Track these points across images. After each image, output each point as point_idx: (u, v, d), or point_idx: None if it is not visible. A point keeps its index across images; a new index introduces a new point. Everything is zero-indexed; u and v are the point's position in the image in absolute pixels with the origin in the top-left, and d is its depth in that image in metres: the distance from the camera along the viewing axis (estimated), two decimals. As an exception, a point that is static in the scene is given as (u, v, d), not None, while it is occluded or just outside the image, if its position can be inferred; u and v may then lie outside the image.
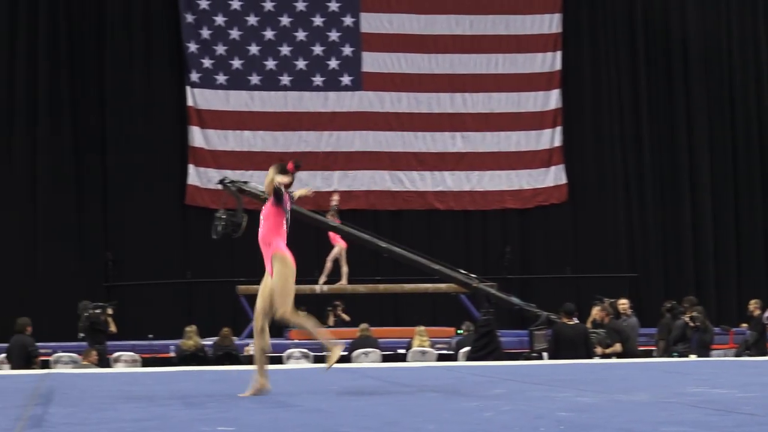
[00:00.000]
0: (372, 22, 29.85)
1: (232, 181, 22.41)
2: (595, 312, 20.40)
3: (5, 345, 19.82)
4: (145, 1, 29.06)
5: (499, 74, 30.20)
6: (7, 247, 27.33)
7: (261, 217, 10.50)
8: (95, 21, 28.77)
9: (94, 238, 28.21)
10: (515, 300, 21.00)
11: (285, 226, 10.44)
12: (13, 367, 18.47)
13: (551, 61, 30.32)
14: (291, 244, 27.20)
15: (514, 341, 22.29)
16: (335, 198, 24.67)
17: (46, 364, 19.68)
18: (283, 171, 10.46)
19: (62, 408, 8.69)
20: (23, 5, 28.12)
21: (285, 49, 29.55)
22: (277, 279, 10.29)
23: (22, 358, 18.77)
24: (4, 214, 27.55)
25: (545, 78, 30.32)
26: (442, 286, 23.90)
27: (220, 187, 22.90)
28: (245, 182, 22.80)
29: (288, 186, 10.48)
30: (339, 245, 24.09)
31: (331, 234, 23.96)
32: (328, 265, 24.40)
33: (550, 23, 30.35)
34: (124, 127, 28.42)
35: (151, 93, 28.85)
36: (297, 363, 20.61)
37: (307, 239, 27.02)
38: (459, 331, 23.09)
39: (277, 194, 10.33)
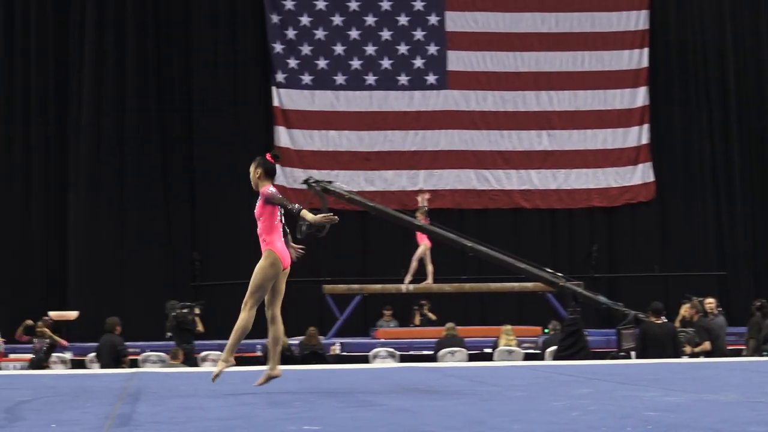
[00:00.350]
0: (457, 21, 29.78)
1: (317, 181, 22.51)
2: (684, 310, 20.21)
3: (95, 344, 20.04)
4: (231, 2, 29.24)
5: (586, 72, 30.01)
6: (96, 248, 27.62)
7: (255, 214, 10.75)
8: (182, 21, 29.01)
9: (182, 238, 28.43)
10: (602, 299, 20.84)
11: (279, 221, 10.63)
12: (103, 366, 18.66)
13: (638, 58, 30.06)
14: (377, 244, 27.15)
15: (601, 340, 22.14)
16: (425, 198, 24.68)
17: (134, 363, 19.87)
18: (266, 168, 10.78)
19: (149, 406, 8.76)
20: (110, 4, 28.41)
21: (370, 49, 29.59)
22: (255, 270, 10.69)
23: (111, 358, 18.96)
24: (93, 215, 27.85)
25: (632, 75, 30.07)
26: (529, 285, 23.80)
27: (305, 186, 23.00)
28: (330, 182, 22.88)
29: (274, 176, 10.80)
30: (424, 244, 24.09)
31: (418, 233, 23.97)
32: (414, 264, 24.41)
33: (637, 20, 30.11)
34: (210, 127, 28.58)
35: (237, 93, 29.03)
36: (383, 362, 20.61)
37: (393, 239, 27.13)
38: (546, 330, 22.95)
39: (272, 201, 10.61)
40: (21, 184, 28.12)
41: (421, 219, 23.20)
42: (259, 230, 10.75)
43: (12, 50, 28.41)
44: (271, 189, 10.55)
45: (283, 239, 10.72)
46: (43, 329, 19.21)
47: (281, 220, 10.64)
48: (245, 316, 10.75)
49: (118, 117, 28.28)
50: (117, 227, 28.02)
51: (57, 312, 21.92)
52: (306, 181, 22.71)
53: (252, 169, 10.88)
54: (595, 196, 29.81)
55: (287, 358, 19.57)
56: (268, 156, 10.84)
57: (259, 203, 10.67)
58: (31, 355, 19.12)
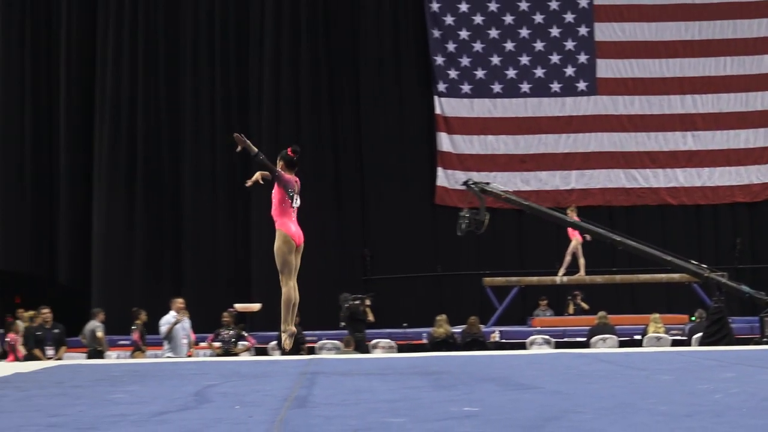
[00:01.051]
0: (605, 31, 29.49)
1: (476, 183, 22.53)
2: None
3: (276, 333, 20.26)
4: (395, 19, 29.40)
5: (728, 76, 29.40)
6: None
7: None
8: (351, 34, 29.29)
9: (354, 235, 28.67)
10: (745, 288, 20.38)
11: (290, 204, 11.07)
12: (283, 354, 18.86)
13: (778, 62, 29.45)
14: (533, 239, 26.79)
15: (744, 327, 21.75)
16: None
17: (311, 351, 20.06)
18: (285, 159, 11.12)
19: (324, 390, 8.81)
20: (286, 16, 28.84)
21: (524, 59, 29.47)
22: (275, 252, 11.20)
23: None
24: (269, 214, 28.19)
25: (772, 78, 29.47)
26: (676, 276, 23.44)
27: (465, 188, 23.01)
28: (487, 183, 22.85)
29: (293, 168, 11.11)
30: (576, 239, 23.94)
31: (570, 229, 23.81)
32: (567, 258, 24.32)
33: (776, 26, 29.51)
34: (378, 133, 28.81)
35: (402, 102, 29.17)
36: (539, 348, 20.46)
37: (547, 235, 26.97)
38: (692, 318, 22.59)
39: (279, 181, 10.98)
40: (209, 184, 28.63)
41: (572, 216, 23.03)
42: (272, 212, 11.23)
43: (196, 51, 29.00)
44: (283, 172, 10.97)
45: (294, 220, 11.23)
46: (228, 320, 19.53)
47: (293, 204, 11.15)
48: (285, 290, 11.29)
49: (293, 122, 28.62)
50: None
51: (242, 304, 22.23)
52: (466, 183, 22.75)
53: (277, 160, 11.15)
54: (738, 192, 29.20)
55: (451, 344, 19.59)
56: (289, 150, 11.21)
57: (274, 188, 11.09)
58: (219, 344, 19.44)
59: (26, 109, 29.15)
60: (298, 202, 11.25)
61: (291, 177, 11.09)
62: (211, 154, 28.66)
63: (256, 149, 10.96)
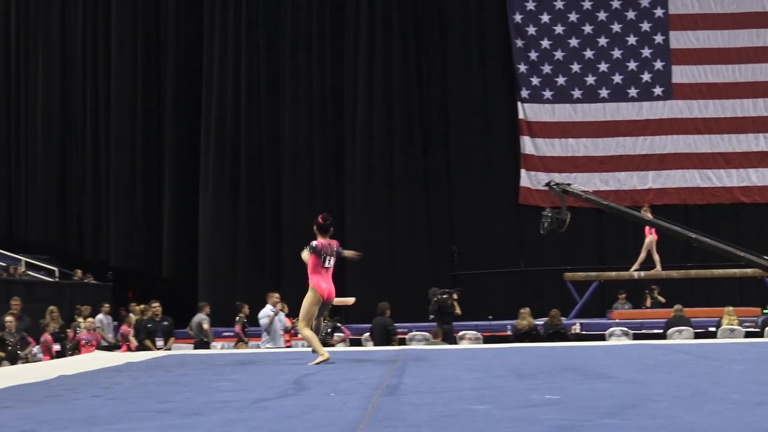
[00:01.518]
0: (680, 39, 29.17)
1: (558, 184, 22.37)
2: None
3: (368, 326, 20.35)
4: (481, 31, 29.37)
5: (800, 80, 29.01)
6: (369, 242, 28.06)
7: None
8: (439, 48, 29.32)
9: (442, 234, 28.69)
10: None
11: (323, 266, 11.66)
12: (375, 344, 18.93)
13: None
14: (611, 236, 26.47)
15: (817, 320, 21.36)
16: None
17: (402, 341, 20.08)
18: (318, 225, 11.81)
19: (413, 378, 8.82)
20: (379, 25, 28.94)
21: (603, 66, 29.25)
22: (304, 302, 11.65)
23: (383, 337, 19.21)
24: (366, 213, 28.33)
25: (843, 82, 28.92)
26: (749, 271, 23.06)
27: (547, 188, 22.91)
28: (568, 184, 22.67)
29: (327, 232, 11.80)
30: (651, 237, 23.76)
31: (646, 227, 23.61)
32: (642, 254, 24.16)
33: None
34: (465, 137, 28.82)
35: (488, 108, 29.11)
36: (617, 340, 20.27)
37: (625, 232, 26.72)
38: (765, 311, 22.24)
39: (314, 251, 11.71)
40: (306, 187, 28.82)
41: (646, 215, 22.84)
42: (308, 271, 11.80)
43: (295, 60, 29.17)
44: (314, 242, 11.70)
45: (327, 278, 11.72)
46: (325, 313, 19.58)
47: (325, 266, 11.69)
48: (305, 333, 11.58)
49: (385, 126, 28.72)
50: (387, 224, 28.42)
51: (338, 298, 22.27)
52: (548, 184, 22.62)
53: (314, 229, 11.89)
54: (810, 190, 28.76)
55: (534, 336, 19.48)
56: (320, 218, 11.92)
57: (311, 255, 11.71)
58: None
59: (137, 118, 29.65)
60: (332, 262, 11.81)
61: (325, 241, 11.74)
62: (308, 160, 28.84)
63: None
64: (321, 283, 11.62)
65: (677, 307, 21.34)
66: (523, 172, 28.80)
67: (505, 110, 29.24)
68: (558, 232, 22.63)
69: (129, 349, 19.34)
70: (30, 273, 27.04)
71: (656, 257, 24.04)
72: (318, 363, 10.94)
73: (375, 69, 28.83)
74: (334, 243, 11.90)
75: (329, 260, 11.72)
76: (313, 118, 29.00)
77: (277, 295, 18.45)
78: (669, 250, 24.65)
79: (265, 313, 17.67)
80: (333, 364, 10.96)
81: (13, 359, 17.07)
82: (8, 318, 17.57)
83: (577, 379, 8.54)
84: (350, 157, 28.75)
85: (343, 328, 19.97)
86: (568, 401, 6.74)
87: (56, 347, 19.01)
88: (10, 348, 17.34)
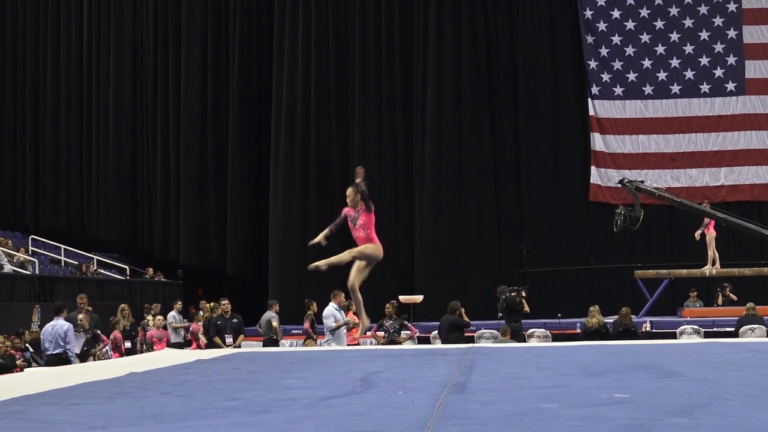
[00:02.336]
0: (754, 34, 28.86)
1: (630, 181, 22.44)
2: None
3: (436, 323, 20.31)
4: (551, 27, 29.26)
5: None
6: (439, 239, 28.08)
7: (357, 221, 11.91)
8: (510, 46, 29.32)
9: (511, 231, 28.63)
10: None
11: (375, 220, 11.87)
12: (443, 342, 18.88)
13: None
14: (683, 233, 26.17)
15: None
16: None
17: (471, 340, 20.03)
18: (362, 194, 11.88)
19: (481, 377, 8.78)
20: (448, 21, 28.92)
21: (674, 62, 29.00)
22: (372, 247, 11.88)
23: (452, 334, 19.14)
24: (435, 210, 28.34)
25: None
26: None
27: (620, 186, 22.82)
28: (641, 181, 22.67)
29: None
30: (710, 233, 23.73)
31: (712, 223, 23.58)
32: (710, 251, 24.02)
33: None
34: (535, 133, 28.71)
35: (558, 105, 28.99)
36: (688, 338, 20.08)
37: (697, 229, 26.44)
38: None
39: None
40: (376, 183, 28.88)
41: (706, 206, 22.72)
42: (370, 233, 11.89)
43: (364, 53, 29.34)
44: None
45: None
46: (391, 311, 19.56)
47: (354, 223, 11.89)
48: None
49: (455, 123, 28.75)
50: (456, 221, 28.42)
51: (405, 296, 22.33)
52: (621, 182, 22.68)
53: (351, 191, 11.92)
54: None
55: (603, 334, 19.34)
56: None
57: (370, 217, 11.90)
58: (383, 333, 19.50)
59: (207, 115, 29.93)
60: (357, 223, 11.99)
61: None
62: (377, 155, 28.92)
63: (326, 233, 12.03)
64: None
65: (750, 305, 21.07)
66: (593, 169, 28.64)
67: (576, 107, 29.14)
68: (632, 229, 22.61)
69: (198, 347, 19.49)
70: (101, 271, 27.40)
71: (716, 255, 23.97)
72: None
73: (444, 66, 28.83)
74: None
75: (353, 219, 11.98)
76: (382, 116, 29.08)
77: (343, 294, 18.36)
78: (742, 247, 24.41)
79: (330, 312, 17.62)
80: None
81: (84, 356, 17.30)
82: (81, 316, 17.79)
83: (647, 377, 8.47)
84: (419, 154, 28.79)
85: (410, 325, 19.93)
86: (638, 400, 6.68)
87: (127, 344, 19.23)
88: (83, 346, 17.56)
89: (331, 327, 17.25)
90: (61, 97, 31.53)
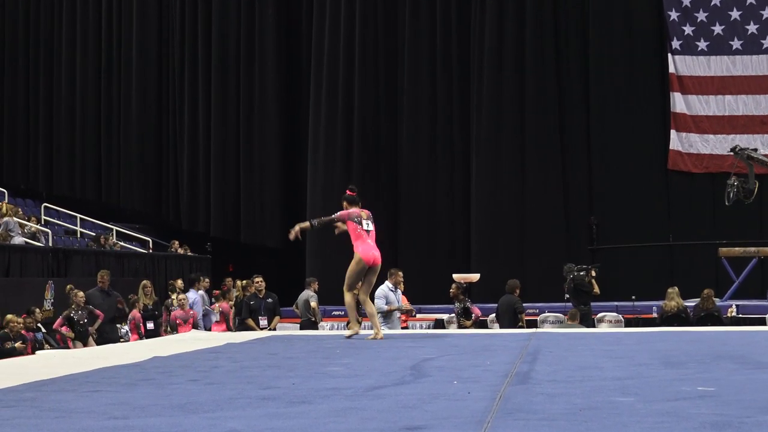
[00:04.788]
0: None
1: (743, 149, 22.31)
2: None
3: (494, 305, 20.24)
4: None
5: None
6: (497, 212, 28.03)
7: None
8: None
9: (579, 202, 28.52)
10: None
11: (363, 228, 12.80)
12: (502, 326, 18.84)
13: None
14: None
15: None
16: None
17: (531, 324, 19.99)
18: (348, 199, 13.04)
19: (547, 366, 8.76)
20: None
21: (767, 12, 28.61)
22: (347, 270, 12.90)
23: (510, 318, 19.08)
24: (494, 180, 28.29)
25: None
26: None
27: (732, 154, 22.77)
28: (754, 149, 22.61)
29: (357, 203, 13.05)
30: None
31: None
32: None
33: None
34: (606, 94, 28.52)
35: (633, 60, 28.74)
36: (781, 326, 19.91)
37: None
38: None
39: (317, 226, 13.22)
40: (427, 154, 28.90)
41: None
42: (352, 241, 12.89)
43: (418, 20, 29.18)
44: (341, 212, 12.92)
45: (369, 242, 12.85)
46: (456, 293, 19.41)
47: (365, 228, 12.84)
48: (346, 297, 13.02)
49: (517, 82, 28.61)
50: (517, 192, 28.34)
51: (460, 275, 22.26)
52: (733, 150, 22.59)
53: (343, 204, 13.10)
54: None
55: (683, 319, 19.23)
56: (348, 191, 13.20)
57: (346, 226, 12.88)
58: (436, 316, 19.49)
59: (241, 75, 30.05)
60: (371, 226, 12.98)
61: (355, 209, 12.92)
62: (430, 125, 28.93)
63: (307, 223, 13.16)
64: (363, 248, 12.74)
65: None
66: (673, 133, 28.38)
67: (653, 64, 28.84)
68: (745, 203, 22.51)
69: (228, 329, 19.59)
70: (122, 244, 27.57)
71: None
72: (350, 336, 12.71)
73: (505, 17, 28.68)
74: (366, 212, 13.06)
75: (367, 223, 12.88)
76: (435, 78, 29.04)
77: (400, 273, 18.26)
78: None
79: (384, 293, 17.58)
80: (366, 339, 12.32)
81: (84, 338, 17.48)
82: (80, 294, 17.97)
83: (734, 368, 8.41)
84: (477, 120, 28.67)
85: (473, 307, 19.72)
86: (724, 394, 6.63)
87: (149, 325, 19.31)
88: (79, 328, 17.72)
89: (382, 309, 17.21)
90: (77, 51, 31.75)
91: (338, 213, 12.89)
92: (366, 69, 29.25)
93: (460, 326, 18.72)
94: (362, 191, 28.42)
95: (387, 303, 17.14)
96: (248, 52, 30.12)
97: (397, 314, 17.53)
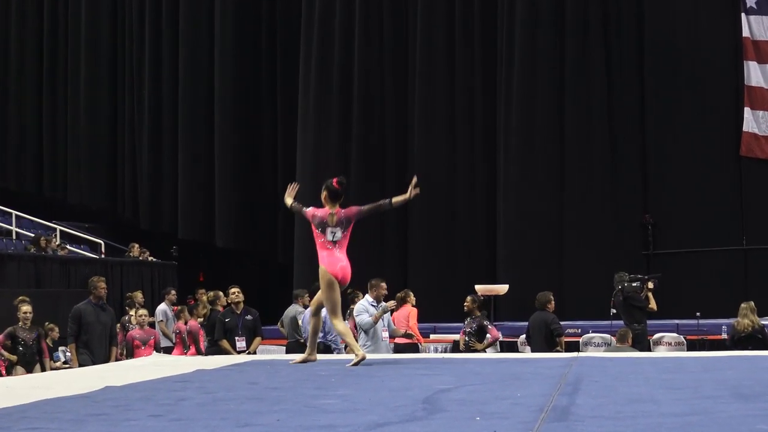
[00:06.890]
0: None
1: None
2: None
3: (525, 324, 20.25)
4: None
5: None
6: (528, 212, 28.07)
7: None
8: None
9: (631, 197, 28.52)
10: None
11: (325, 238, 12.92)
12: (534, 349, 18.86)
13: None
14: None
15: None
16: None
17: (572, 346, 20.01)
18: (329, 188, 12.97)
19: (591, 398, 8.78)
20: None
21: None
22: (320, 290, 12.96)
23: (544, 339, 19.09)
24: (525, 176, 28.33)
25: None
26: None
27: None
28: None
29: (338, 199, 12.98)
30: None
31: None
32: None
33: None
34: (664, 62, 28.53)
35: (698, 22, 28.75)
36: None
37: None
38: None
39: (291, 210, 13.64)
40: (441, 137, 28.98)
41: None
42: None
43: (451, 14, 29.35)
44: (310, 209, 13.18)
45: (334, 253, 12.87)
46: (471, 307, 19.42)
47: (329, 239, 12.89)
48: (337, 327, 13.11)
49: (556, 45, 28.75)
50: (554, 186, 28.34)
51: (484, 286, 22.30)
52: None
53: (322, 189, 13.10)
54: None
55: (759, 341, 19.25)
56: (334, 181, 12.99)
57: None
58: (454, 337, 19.51)
59: (215, 45, 30.11)
60: (337, 235, 12.89)
61: (325, 211, 12.95)
62: (447, 99, 29.02)
63: (290, 200, 13.58)
64: (328, 261, 12.81)
65: None
66: (747, 112, 28.38)
67: (723, 26, 28.85)
68: None
69: (198, 352, 19.61)
70: (68, 247, 27.60)
71: None
72: (355, 364, 12.18)
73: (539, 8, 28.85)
74: (352, 210, 13.01)
75: (333, 232, 12.87)
76: (455, 47, 29.11)
77: (383, 284, 18.23)
78: None
79: (363, 308, 17.54)
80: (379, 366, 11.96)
81: (29, 364, 17.51)
82: (25, 308, 17.99)
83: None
84: (505, 95, 28.73)
85: (490, 327, 19.71)
86: (810, 434, 6.65)
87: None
88: (22, 349, 17.76)
89: (367, 323, 17.17)
90: (11, 18, 31.92)
91: (306, 210, 13.13)
92: (370, 42, 29.37)
93: (468, 349, 18.67)
94: (362, 191, 28.78)
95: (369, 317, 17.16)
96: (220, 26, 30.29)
97: (384, 334, 17.48)
